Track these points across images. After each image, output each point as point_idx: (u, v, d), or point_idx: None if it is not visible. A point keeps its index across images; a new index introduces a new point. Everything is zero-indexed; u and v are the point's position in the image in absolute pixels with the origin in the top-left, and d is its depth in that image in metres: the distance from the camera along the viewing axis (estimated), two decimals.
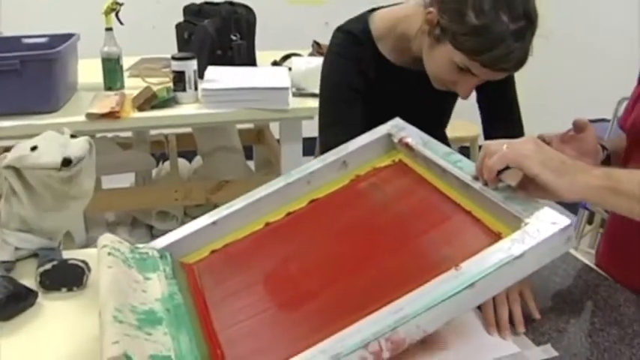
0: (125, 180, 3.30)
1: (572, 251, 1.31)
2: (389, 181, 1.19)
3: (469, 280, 0.84)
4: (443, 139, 1.84)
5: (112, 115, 2.34)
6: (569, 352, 1.02)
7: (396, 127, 1.25)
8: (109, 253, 1.05)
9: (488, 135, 1.73)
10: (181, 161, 3.40)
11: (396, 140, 1.23)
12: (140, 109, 2.44)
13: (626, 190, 0.98)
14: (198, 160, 3.44)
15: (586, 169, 0.99)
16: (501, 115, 1.73)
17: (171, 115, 2.47)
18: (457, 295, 0.83)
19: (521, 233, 0.90)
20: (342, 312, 0.91)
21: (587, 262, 1.30)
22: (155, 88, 2.50)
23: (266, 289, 1.05)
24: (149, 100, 2.44)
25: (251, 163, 3.57)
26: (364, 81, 1.60)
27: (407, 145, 1.20)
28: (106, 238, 1.10)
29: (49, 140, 1.22)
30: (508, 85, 1.69)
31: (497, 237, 0.95)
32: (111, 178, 3.16)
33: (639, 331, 1.08)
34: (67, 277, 1.21)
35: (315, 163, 1.24)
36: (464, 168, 1.09)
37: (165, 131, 3.32)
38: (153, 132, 3.32)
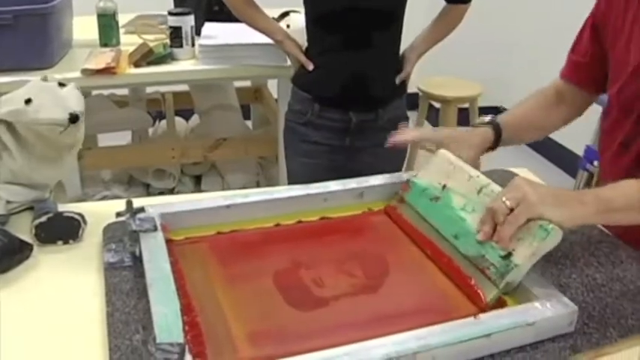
0: (121, 138, 3.27)
1: None
2: (401, 220, 1.24)
3: (486, 330, 0.92)
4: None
5: (107, 70, 2.31)
6: None
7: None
8: None
9: None
10: (178, 120, 3.37)
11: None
12: (136, 65, 2.41)
13: (619, 207, 1.05)
14: (195, 118, 3.41)
15: (577, 198, 1.05)
16: None
17: (167, 71, 2.44)
18: (474, 341, 0.91)
19: (535, 305, 0.97)
20: (352, 324, 0.97)
21: None
22: (151, 44, 2.47)
23: (275, 283, 1.06)
24: (145, 56, 2.40)
25: (249, 123, 3.54)
26: None
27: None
28: None
29: (41, 91, 1.19)
30: None
31: (502, 303, 1.02)
32: (107, 137, 3.13)
33: None
34: (63, 230, 1.19)
35: (335, 184, 1.29)
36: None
37: (162, 89, 3.29)
38: (149, 90, 3.28)
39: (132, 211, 1.12)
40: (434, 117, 3.87)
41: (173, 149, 2.82)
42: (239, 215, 1.21)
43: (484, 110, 3.92)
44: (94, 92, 3.17)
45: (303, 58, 2.04)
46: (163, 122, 3.31)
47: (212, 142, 2.81)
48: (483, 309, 1.00)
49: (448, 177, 1.20)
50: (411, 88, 2.57)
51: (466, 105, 3.61)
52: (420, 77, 3.31)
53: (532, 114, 1.46)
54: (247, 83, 3.46)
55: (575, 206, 1.03)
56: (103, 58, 2.40)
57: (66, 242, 1.19)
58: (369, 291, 1.05)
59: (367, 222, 1.26)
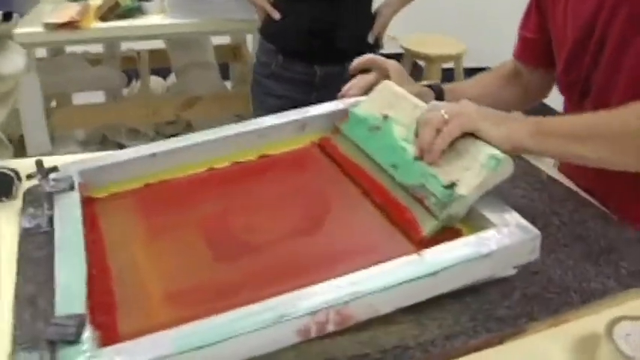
0: (96, 98, 3.20)
1: (534, 161, 1.24)
2: (336, 152, 1.14)
3: (432, 268, 0.81)
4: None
5: (71, 24, 2.24)
6: (529, 270, 0.93)
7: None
8: None
9: None
10: (155, 79, 3.29)
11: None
12: (103, 18, 2.33)
13: (553, 130, 0.97)
14: (172, 77, 3.33)
15: (519, 119, 0.99)
16: None
17: (135, 25, 2.37)
18: (418, 281, 0.80)
19: (490, 233, 0.86)
20: (285, 273, 0.87)
21: (553, 175, 1.22)
22: None
23: (202, 234, 0.97)
24: (112, 9, 2.34)
25: (228, 84, 3.46)
26: None
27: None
28: None
29: None
30: None
31: (456, 234, 0.91)
32: (81, 96, 3.06)
33: (606, 248, 1.00)
34: None
35: (272, 118, 1.18)
36: None
37: (137, 47, 3.20)
38: (124, 48, 3.20)
39: (43, 172, 1.03)
40: (417, 77, 3.79)
41: (145, 107, 2.75)
42: (167, 163, 1.11)
43: (470, 71, 3.85)
44: (68, 50, 3.09)
45: (268, 7, 1.95)
46: (139, 82, 3.23)
47: (185, 100, 2.74)
48: (421, 242, 0.90)
49: (391, 107, 1.10)
50: (395, 48, 2.49)
51: (451, 65, 3.53)
52: (404, 34, 3.23)
53: (484, 89, 1.36)
54: (226, 41, 3.37)
55: (513, 125, 0.97)
56: (68, 11, 2.33)
57: None
58: (303, 234, 0.96)
59: (304, 157, 1.16)
